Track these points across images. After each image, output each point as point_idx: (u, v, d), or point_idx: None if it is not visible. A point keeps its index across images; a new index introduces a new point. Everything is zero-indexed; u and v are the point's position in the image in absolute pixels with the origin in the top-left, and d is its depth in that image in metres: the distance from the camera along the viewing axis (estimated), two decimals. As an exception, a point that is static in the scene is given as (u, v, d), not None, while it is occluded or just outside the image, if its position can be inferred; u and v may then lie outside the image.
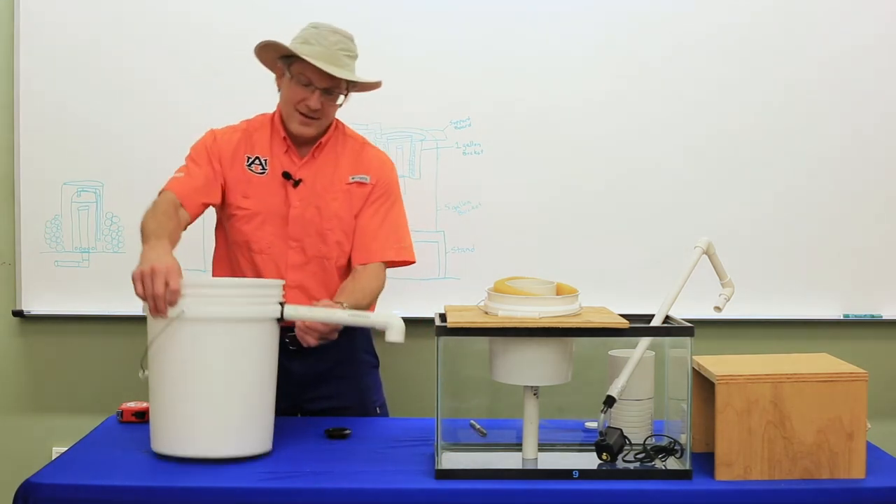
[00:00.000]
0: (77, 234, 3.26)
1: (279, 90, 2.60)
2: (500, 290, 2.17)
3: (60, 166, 3.24)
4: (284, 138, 2.60)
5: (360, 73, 2.60)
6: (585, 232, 3.27)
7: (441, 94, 3.23)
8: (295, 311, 2.19)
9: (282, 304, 2.18)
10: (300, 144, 2.61)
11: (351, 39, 2.57)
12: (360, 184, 2.62)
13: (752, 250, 3.27)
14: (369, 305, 2.54)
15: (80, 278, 3.26)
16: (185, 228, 2.47)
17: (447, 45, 3.22)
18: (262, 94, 2.65)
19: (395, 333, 2.16)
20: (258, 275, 2.59)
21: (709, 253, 2.25)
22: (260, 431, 2.18)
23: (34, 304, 3.28)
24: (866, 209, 3.28)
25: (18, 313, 3.28)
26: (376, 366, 2.83)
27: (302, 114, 2.53)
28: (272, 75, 2.61)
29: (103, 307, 3.27)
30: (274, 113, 2.64)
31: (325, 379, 2.66)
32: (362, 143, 2.70)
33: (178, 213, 2.44)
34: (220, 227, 2.69)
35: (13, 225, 3.26)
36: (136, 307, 3.17)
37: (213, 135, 2.62)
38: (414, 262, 2.69)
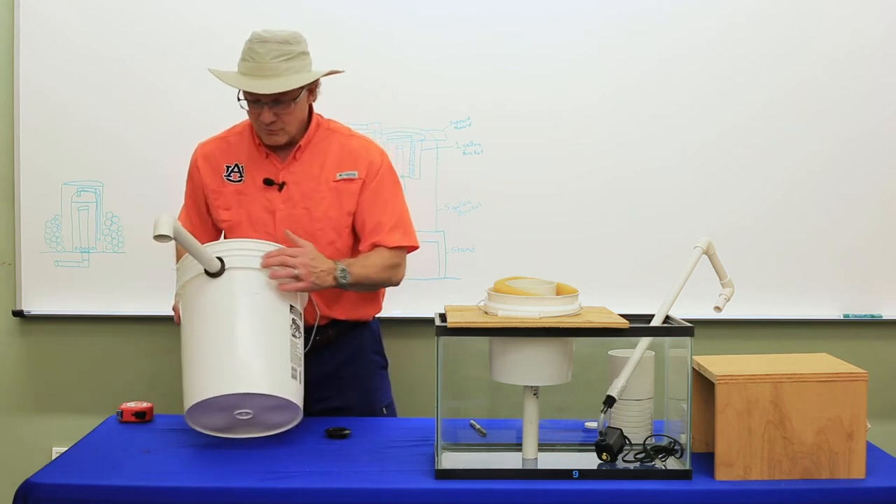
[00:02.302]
0: (77, 234, 3.26)
1: None
2: (500, 290, 2.17)
3: (60, 166, 3.24)
4: (261, 145, 2.60)
5: (318, 65, 2.57)
6: (585, 232, 3.26)
7: (441, 94, 3.22)
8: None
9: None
10: (278, 149, 2.61)
11: (287, 42, 2.49)
12: (349, 180, 2.60)
13: (752, 250, 3.26)
14: (376, 275, 2.55)
15: (80, 278, 3.26)
16: None
17: (447, 45, 3.21)
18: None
19: (162, 227, 2.10)
20: None
21: (709, 253, 2.24)
22: (283, 373, 2.22)
23: (34, 304, 3.28)
24: (866, 209, 3.28)
25: (18, 313, 3.28)
26: (384, 366, 2.82)
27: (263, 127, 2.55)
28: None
29: (103, 307, 3.27)
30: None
31: (331, 380, 2.65)
32: (347, 136, 2.66)
33: None
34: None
35: (13, 225, 3.26)
36: (135, 307, 3.24)
37: (194, 159, 2.69)
38: (417, 247, 2.67)
